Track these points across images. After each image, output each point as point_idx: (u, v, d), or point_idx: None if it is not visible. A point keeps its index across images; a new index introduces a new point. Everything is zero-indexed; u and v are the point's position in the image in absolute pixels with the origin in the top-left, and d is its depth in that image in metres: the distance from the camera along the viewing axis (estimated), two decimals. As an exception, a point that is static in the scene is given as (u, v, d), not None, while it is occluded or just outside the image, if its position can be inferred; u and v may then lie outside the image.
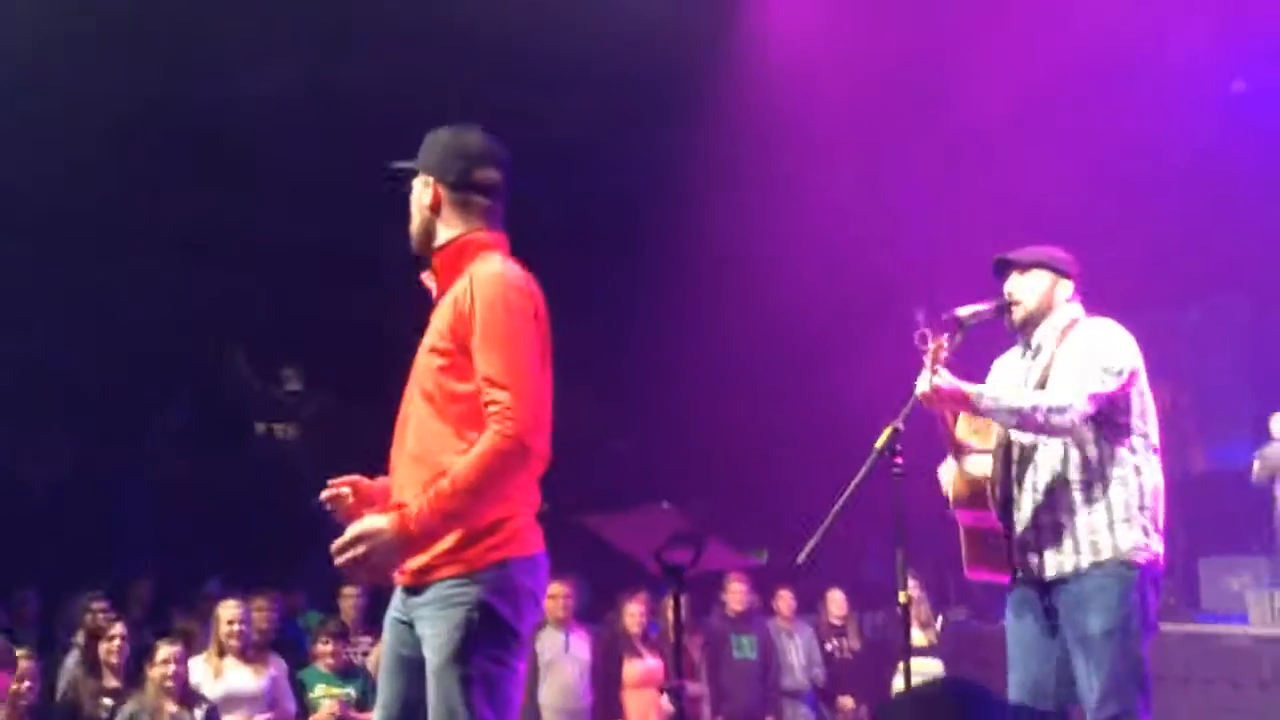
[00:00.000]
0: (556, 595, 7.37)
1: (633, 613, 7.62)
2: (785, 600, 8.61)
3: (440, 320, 3.02)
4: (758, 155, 9.22)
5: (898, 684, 8.28)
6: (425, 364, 3.02)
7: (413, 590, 2.97)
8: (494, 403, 2.86)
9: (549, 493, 3.07)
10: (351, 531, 2.81)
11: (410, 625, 3.00)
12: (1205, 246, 9.50)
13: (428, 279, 3.19)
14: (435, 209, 3.12)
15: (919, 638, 8.33)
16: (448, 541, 2.87)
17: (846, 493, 3.59)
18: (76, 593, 7.61)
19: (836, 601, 8.73)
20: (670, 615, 7.51)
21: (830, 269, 9.29)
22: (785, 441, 9.65)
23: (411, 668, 2.98)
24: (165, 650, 6.03)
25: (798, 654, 8.46)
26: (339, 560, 2.80)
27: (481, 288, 2.95)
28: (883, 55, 8.58)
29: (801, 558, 3.54)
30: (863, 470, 3.65)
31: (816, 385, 9.35)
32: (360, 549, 2.78)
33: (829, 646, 8.62)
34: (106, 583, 8.11)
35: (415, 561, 2.90)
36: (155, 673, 5.97)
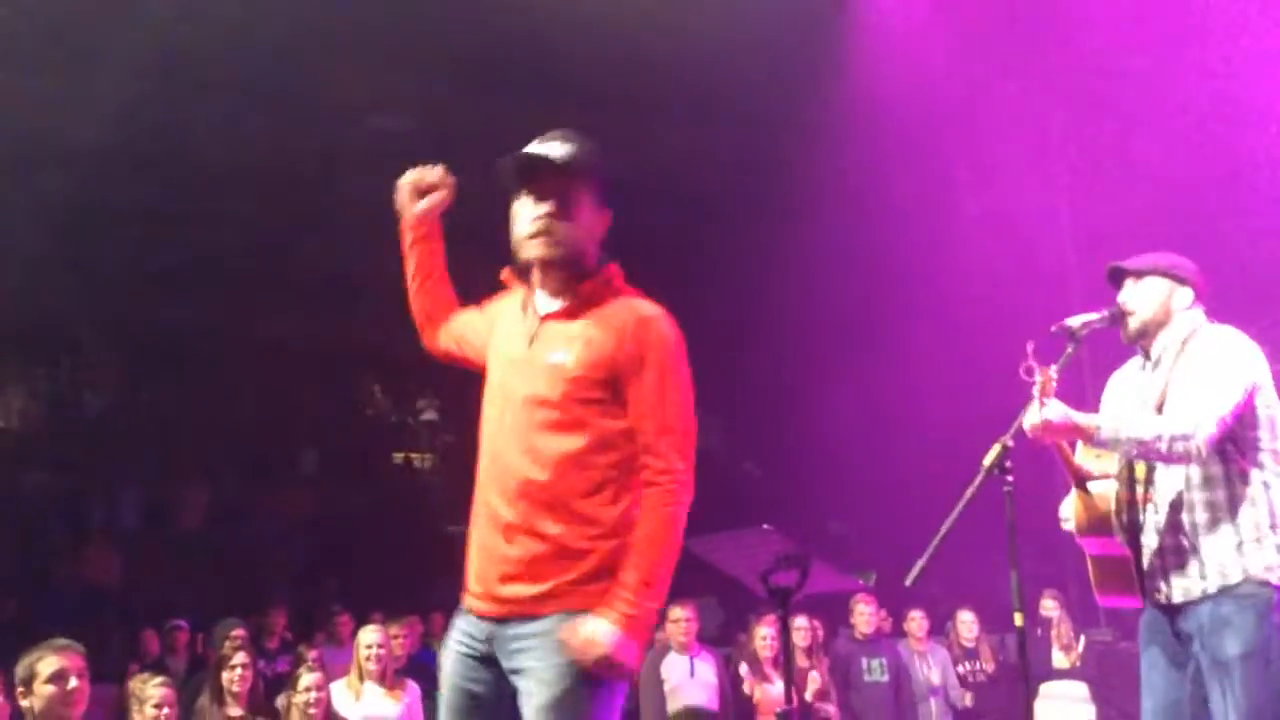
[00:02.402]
0: (679, 620, 7.33)
1: (764, 636, 7.50)
2: (917, 622, 8.43)
3: (592, 351, 2.88)
4: (890, 180, 9.12)
5: (1038, 708, 8.10)
6: (566, 390, 2.87)
7: (511, 621, 2.85)
8: (671, 470, 2.84)
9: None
10: (585, 636, 2.74)
11: (485, 660, 2.89)
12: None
13: (520, 282, 3.08)
14: (600, 229, 3.03)
15: (1060, 659, 8.09)
16: (571, 574, 2.81)
17: (954, 513, 3.49)
18: (222, 622, 7.86)
19: (966, 623, 8.51)
20: (794, 643, 7.55)
21: (958, 288, 9.10)
22: (909, 457, 9.47)
23: (486, 707, 2.88)
24: (308, 678, 6.25)
25: (934, 676, 8.26)
26: (583, 660, 2.74)
27: (658, 334, 2.91)
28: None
29: (910, 580, 3.44)
30: (970, 489, 3.54)
31: (943, 409, 9.16)
32: (598, 653, 2.73)
33: (961, 670, 8.41)
34: (245, 613, 8.35)
35: (526, 590, 2.82)
36: (299, 699, 6.17)
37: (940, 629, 8.76)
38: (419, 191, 3.25)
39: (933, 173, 9.10)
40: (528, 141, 3.04)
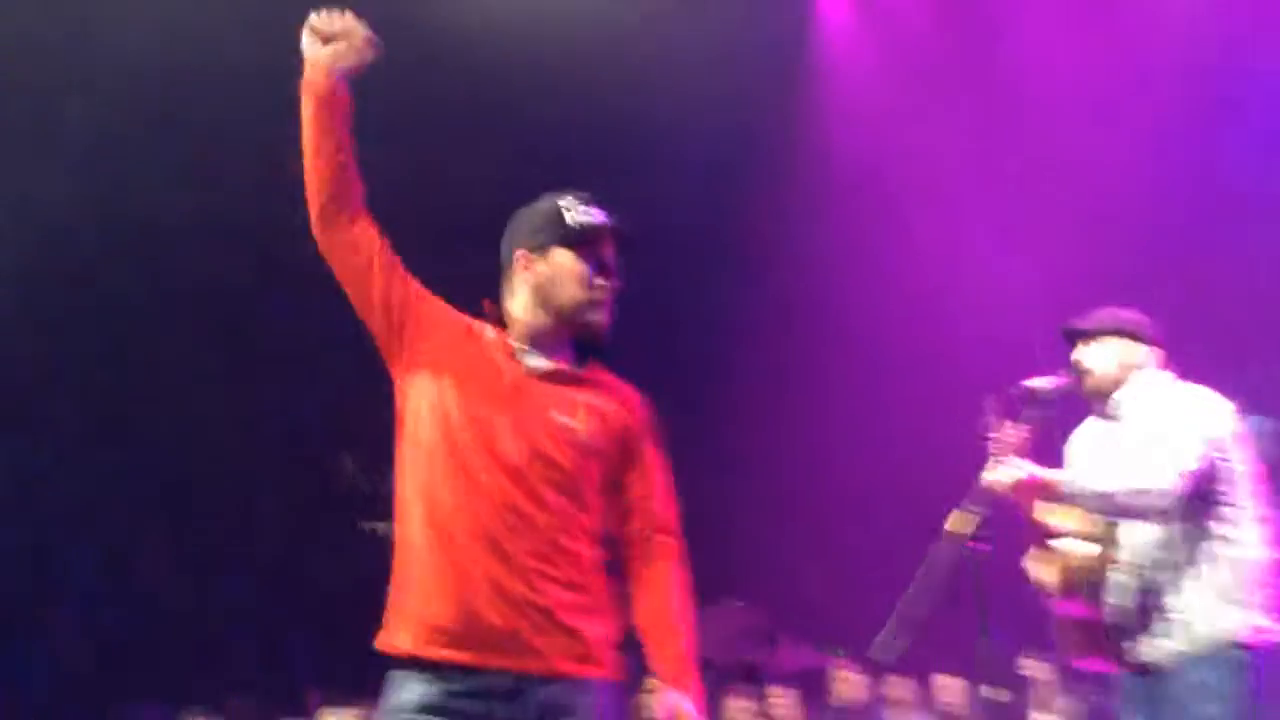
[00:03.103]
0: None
1: (742, 709, 7.37)
2: (897, 687, 8.28)
3: (607, 424, 2.85)
4: (837, 229, 9.16)
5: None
6: (574, 457, 2.79)
7: (548, 680, 2.69)
8: (680, 543, 2.89)
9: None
10: (683, 713, 2.76)
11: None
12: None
13: (495, 322, 2.94)
14: None
15: (1039, 722, 7.96)
16: (605, 633, 2.78)
17: (918, 581, 3.43)
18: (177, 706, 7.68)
19: (947, 688, 8.36)
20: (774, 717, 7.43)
21: (919, 341, 9.09)
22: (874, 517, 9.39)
23: None
24: None
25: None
26: None
27: (651, 410, 2.97)
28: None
29: (877, 653, 3.38)
30: (936, 555, 3.48)
31: (910, 461, 9.10)
32: None
33: (944, 735, 8.25)
34: (205, 694, 8.17)
35: (571, 649, 2.70)
36: None
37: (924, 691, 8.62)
38: (326, 39, 2.82)
39: (883, 223, 9.11)
40: (495, 201, 2.97)
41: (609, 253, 2.92)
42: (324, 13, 2.84)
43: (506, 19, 8.40)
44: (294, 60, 2.84)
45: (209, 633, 10.49)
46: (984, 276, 8.85)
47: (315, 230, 2.87)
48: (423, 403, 2.83)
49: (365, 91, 2.88)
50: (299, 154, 2.85)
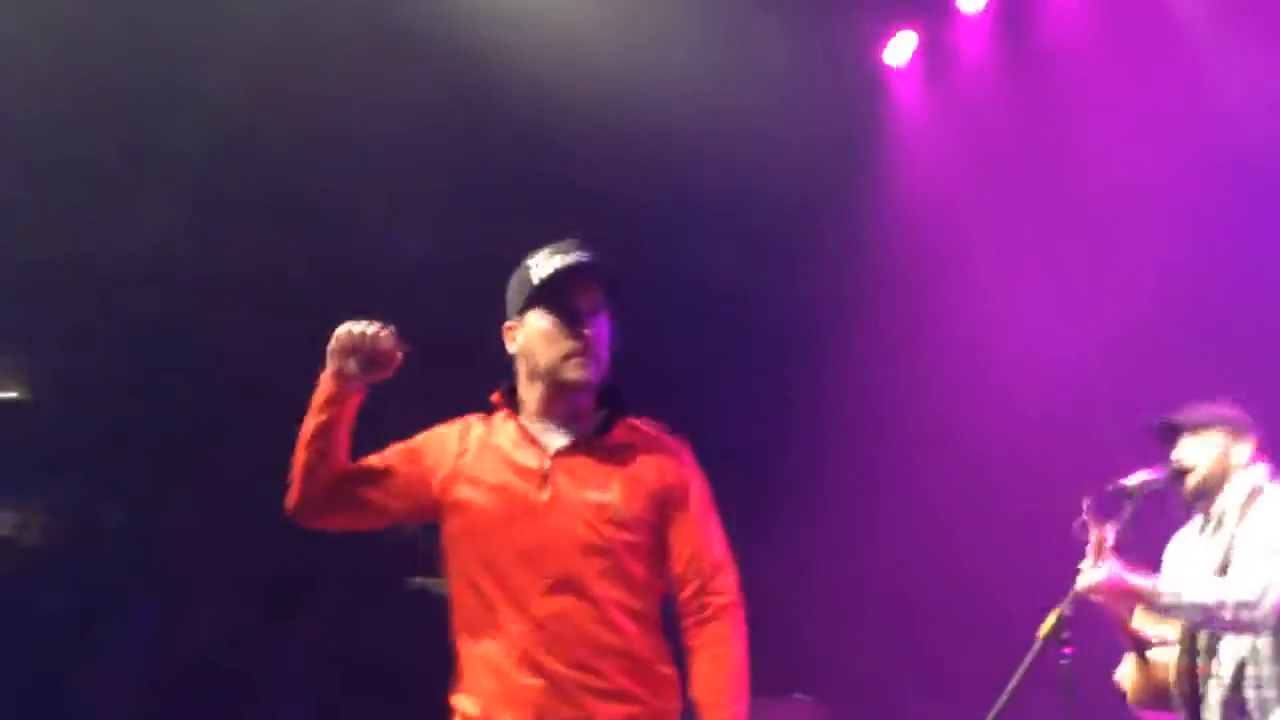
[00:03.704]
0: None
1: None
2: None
3: (639, 490, 2.66)
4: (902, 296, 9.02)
5: None
6: (613, 534, 2.61)
7: None
8: (739, 602, 2.71)
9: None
10: None
11: None
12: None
13: (508, 407, 2.78)
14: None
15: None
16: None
17: (1010, 686, 3.26)
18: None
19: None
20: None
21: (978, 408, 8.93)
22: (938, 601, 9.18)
23: None
24: None
25: None
26: None
27: (694, 462, 2.79)
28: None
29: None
30: (1026, 660, 3.31)
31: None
32: None
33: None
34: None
35: (620, 709, 2.58)
36: None
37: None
38: (365, 354, 2.65)
39: (943, 306, 8.98)
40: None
41: (585, 300, 2.68)
42: (353, 326, 2.64)
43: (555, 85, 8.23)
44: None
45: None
46: (1041, 363, 8.71)
47: (296, 511, 2.75)
48: (452, 537, 2.74)
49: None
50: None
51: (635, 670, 2.60)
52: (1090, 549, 3.39)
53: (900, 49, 8.72)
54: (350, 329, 2.63)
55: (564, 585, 2.59)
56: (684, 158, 8.37)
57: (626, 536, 2.62)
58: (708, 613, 2.65)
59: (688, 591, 2.68)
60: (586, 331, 2.66)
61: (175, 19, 7.22)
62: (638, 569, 2.63)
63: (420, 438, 2.82)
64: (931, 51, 8.78)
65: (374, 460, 2.77)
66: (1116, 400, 8.83)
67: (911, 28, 8.70)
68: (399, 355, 2.66)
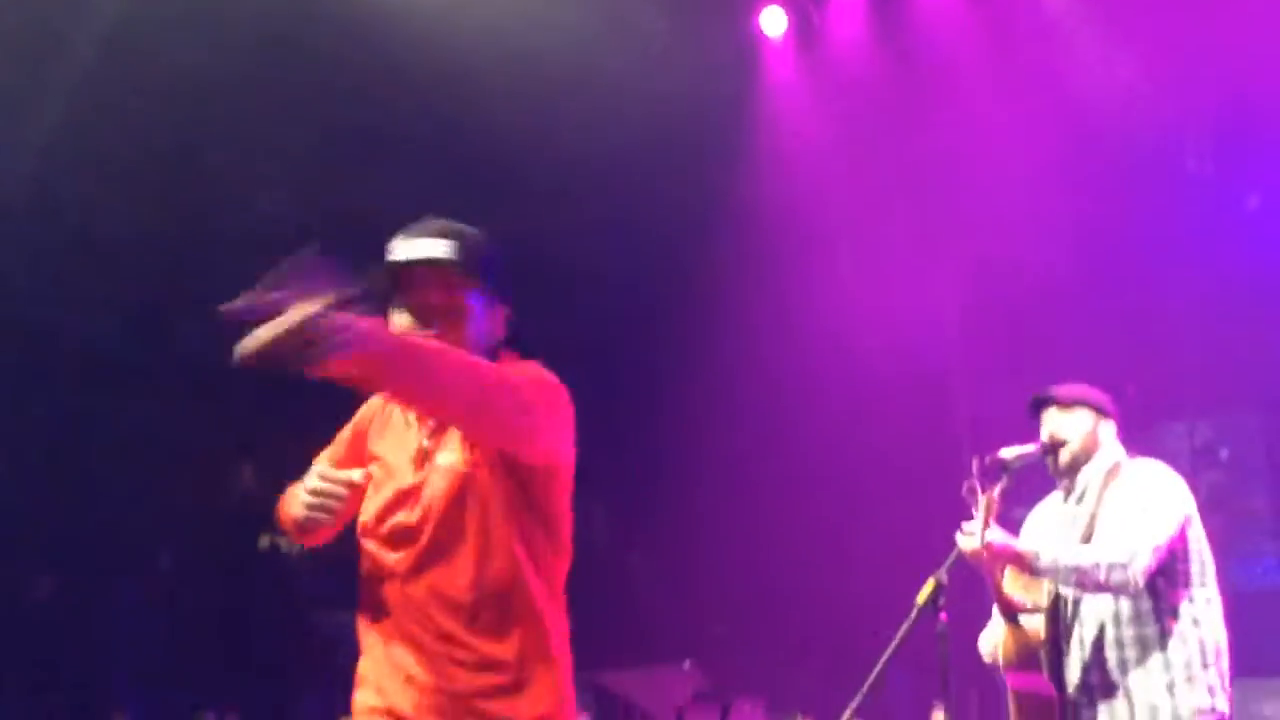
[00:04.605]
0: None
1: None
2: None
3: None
4: (778, 258, 9.14)
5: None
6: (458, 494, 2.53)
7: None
8: (510, 378, 2.57)
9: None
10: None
11: None
12: (1218, 363, 9.32)
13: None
14: (497, 329, 2.68)
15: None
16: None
17: (887, 651, 3.35)
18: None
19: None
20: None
21: (851, 374, 9.13)
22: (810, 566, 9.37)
23: None
24: None
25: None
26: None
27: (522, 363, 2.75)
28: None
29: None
30: (904, 627, 3.41)
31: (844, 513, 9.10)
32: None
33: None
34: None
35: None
36: None
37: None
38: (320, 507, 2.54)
39: (809, 268, 9.14)
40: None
41: (426, 293, 2.57)
42: (324, 480, 2.54)
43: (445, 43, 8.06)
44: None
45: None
46: (904, 328, 8.94)
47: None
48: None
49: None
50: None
51: (506, 641, 2.55)
52: (979, 511, 3.48)
53: (775, 20, 8.76)
54: (318, 480, 2.54)
55: (424, 555, 2.58)
56: (554, 122, 8.32)
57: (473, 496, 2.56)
58: None
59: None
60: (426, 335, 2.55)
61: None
62: (498, 529, 2.56)
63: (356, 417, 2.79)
64: (804, 27, 8.87)
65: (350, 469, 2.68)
66: (974, 367, 9.18)
67: (782, 4, 8.79)
68: (346, 496, 2.57)
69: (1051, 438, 3.79)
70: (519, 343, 2.73)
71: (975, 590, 3.84)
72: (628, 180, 8.68)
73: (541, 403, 2.51)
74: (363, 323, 2.21)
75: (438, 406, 2.45)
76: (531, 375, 2.56)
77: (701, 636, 8.57)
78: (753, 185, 8.92)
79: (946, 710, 3.45)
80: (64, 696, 8.91)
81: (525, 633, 2.53)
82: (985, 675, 3.95)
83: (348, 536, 2.67)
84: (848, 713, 3.31)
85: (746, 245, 9.13)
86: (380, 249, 2.63)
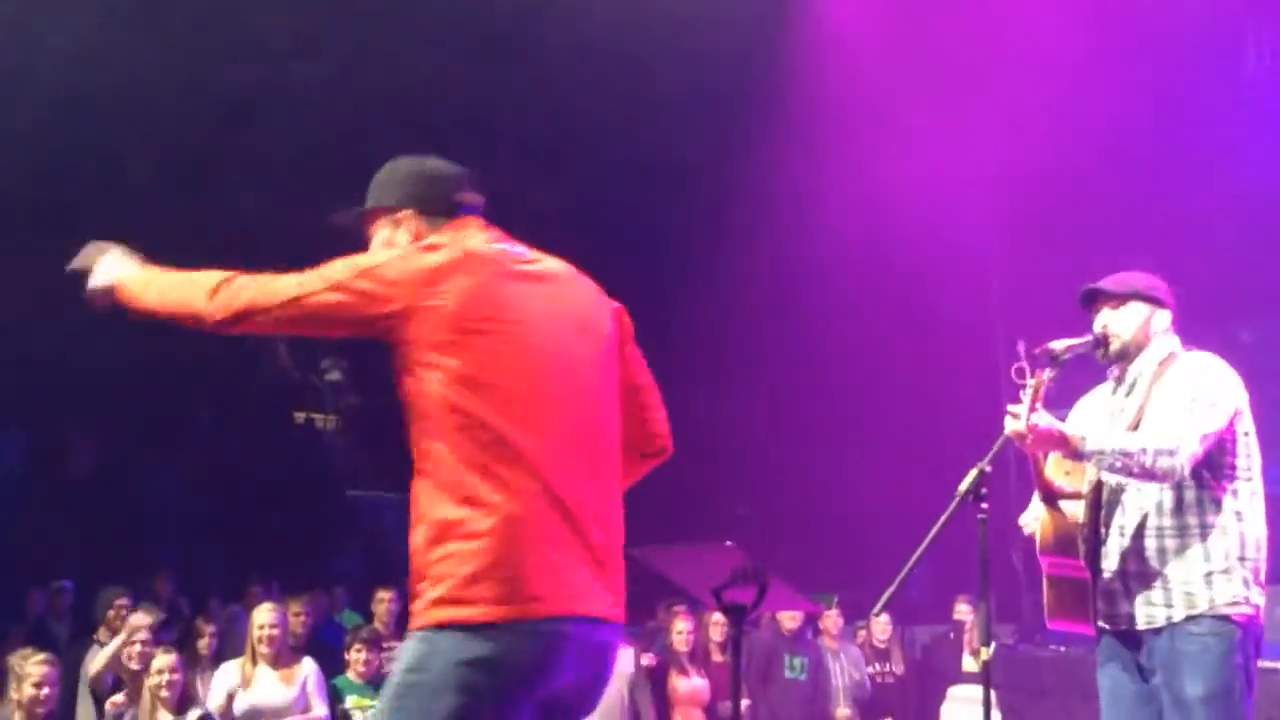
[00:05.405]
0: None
1: (681, 630, 7.39)
2: (832, 619, 8.33)
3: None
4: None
5: (945, 710, 8.10)
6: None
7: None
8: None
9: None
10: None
11: None
12: (1256, 268, 9.15)
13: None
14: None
15: (970, 664, 8.07)
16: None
17: (927, 540, 3.34)
18: (108, 586, 7.49)
19: (880, 624, 8.44)
20: (711, 637, 7.46)
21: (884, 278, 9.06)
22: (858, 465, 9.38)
23: None
24: (161, 660, 5.96)
25: (844, 676, 8.18)
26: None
27: None
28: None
29: (878, 610, 3.29)
30: (945, 515, 3.39)
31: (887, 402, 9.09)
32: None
33: (872, 670, 8.36)
34: (130, 578, 7.98)
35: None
36: (150, 682, 5.91)
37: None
38: None
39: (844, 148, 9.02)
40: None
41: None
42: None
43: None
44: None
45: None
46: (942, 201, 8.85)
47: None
48: None
49: None
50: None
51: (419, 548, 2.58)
52: (1027, 394, 3.43)
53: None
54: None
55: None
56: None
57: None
58: None
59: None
60: None
61: None
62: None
63: None
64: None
65: None
66: (1010, 252, 9.06)
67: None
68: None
69: (1102, 330, 3.72)
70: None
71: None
72: (670, 64, 8.60)
73: (290, 287, 2.59)
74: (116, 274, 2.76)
75: (170, 320, 2.72)
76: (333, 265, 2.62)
77: (724, 519, 8.64)
78: (789, 71, 8.79)
79: (985, 602, 3.45)
80: (109, 565, 9.08)
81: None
82: (1004, 565, 3.95)
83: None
84: (881, 602, 3.31)
85: (776, 131, 9.01)
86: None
